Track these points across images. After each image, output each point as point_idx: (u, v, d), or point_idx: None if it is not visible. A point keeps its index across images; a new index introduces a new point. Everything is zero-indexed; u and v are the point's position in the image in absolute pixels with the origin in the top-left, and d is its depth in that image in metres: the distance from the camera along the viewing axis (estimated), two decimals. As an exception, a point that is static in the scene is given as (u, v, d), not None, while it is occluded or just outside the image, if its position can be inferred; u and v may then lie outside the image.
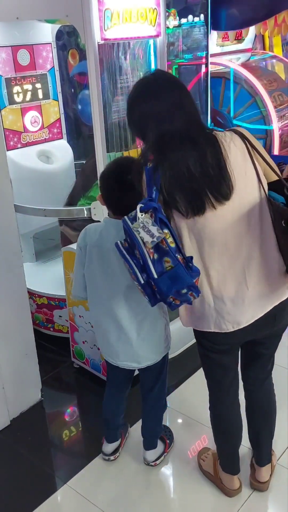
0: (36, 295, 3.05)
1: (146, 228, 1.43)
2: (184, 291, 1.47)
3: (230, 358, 1.80)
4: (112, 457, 2.23)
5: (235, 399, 1.91)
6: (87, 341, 2.68)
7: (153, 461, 2.20)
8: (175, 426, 2.43)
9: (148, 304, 1.74)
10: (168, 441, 2.27)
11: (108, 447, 2.23)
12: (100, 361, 2.65)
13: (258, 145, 1.60)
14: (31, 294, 3.03)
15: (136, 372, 2.12)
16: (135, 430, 2.35)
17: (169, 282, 1.46)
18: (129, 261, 1.48)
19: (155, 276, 1.45)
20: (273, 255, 1.62)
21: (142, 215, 1.44)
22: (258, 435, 2.01)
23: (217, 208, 1.51)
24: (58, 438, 2.48)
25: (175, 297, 1.49)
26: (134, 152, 2.51)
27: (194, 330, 1.77)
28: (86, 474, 2.19)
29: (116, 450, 2.24)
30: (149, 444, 2.20)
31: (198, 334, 1.76)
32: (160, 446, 2.22)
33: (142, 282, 1.48)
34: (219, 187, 1.49)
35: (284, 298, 1.69)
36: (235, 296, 1.61)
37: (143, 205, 1.45)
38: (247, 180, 1.54)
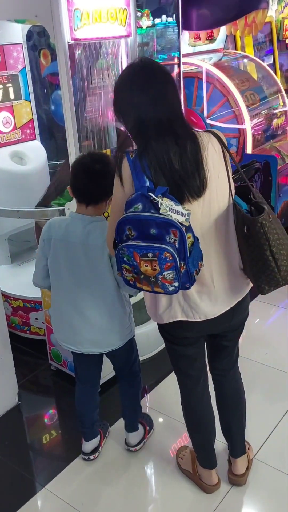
0: (12, 298, 3.02)
1: (173, 210, 1.42)
2: (200, 261, 1.51)
3: (194, 350, 1.84)
4: (91, 457, 2.23)
5: (204, 391, 1.94)
6: (64, 343, 2.66)
7: (134, 445, 2.24)
8: (154, 425, 2.43)
9: (108, 295, 1.92)
10: (148, 427, 2.33)
11: (87, 446, 2.23)
12: (77, 362, 2.63)
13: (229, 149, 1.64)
14: (7, 297, 3.00)
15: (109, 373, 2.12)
16: (114, 430, 2.35)
17: (194, 257, 1.47)
18: (167, 249, 1.41)
19: (188, 255, 1.45)
20: (235, 254, 1.68)
21: (161, 199, 1.42)
22: (229, 425, 2.04)
23: (192, 202, 1.53)
24: (36, 442, 2.46)
25: (197, 271, 1.51)
26: (109, 152, 2.50)
27: (159, 326, 1.81)
28: (65, 477, 2.18)
29: (95, 450, 2.24)
30: (131, 426, 2.24)
31: (162, 329, 1.81)
32: (141, 429, 2.28)
33: (179, 266, 1.43)
34: (194, 182, 1.52)
35: (244, 295, 1.75)
36: (202, 290, 1.65)
37: (152, 192, 1.44)
38: (219, 181, 1.58)
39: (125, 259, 1.47)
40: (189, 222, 1.45)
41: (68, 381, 2.72)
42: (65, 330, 2.02)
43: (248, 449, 2.15)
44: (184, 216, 1.44)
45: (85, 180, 1.84)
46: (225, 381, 1.99)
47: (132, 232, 1.45)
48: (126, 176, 1.53)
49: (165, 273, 1.44)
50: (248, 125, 3.88)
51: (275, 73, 4.89)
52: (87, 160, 1.87)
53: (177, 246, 1.42)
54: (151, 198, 1.43)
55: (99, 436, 2.27)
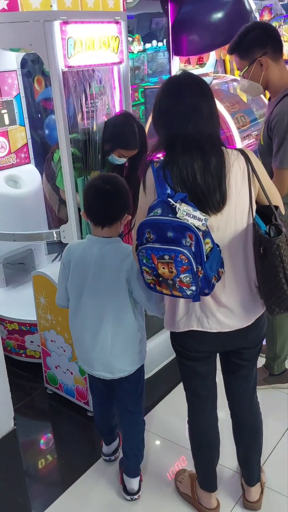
0: (7, 321, 3.01)
1: (191, 215, 1.47)
2: (220, 269, 1.56)
3: (205, 367, 1.84)
4: (112, 457, 2.32)
5: (212, 412, 1.93)
6: (59, 366, 2.65)
7: (137, 492, 2.14)
8: (151, 447, 2.42)
9: (124, 317, 1.92)
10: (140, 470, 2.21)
11: (107, 449, 2.32)
12: (73, 385, 2.62)
13: (260, 169, 1.66)
14: (2, 320, 2.99)
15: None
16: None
17: (212, 262, 1.51)
18: (182, 251, 1.45)
19: (205, 259, 1.48)
20: (252, 273, 1.70)
21: (179, 204, 1.47)
22: (247, 455, 2.02)
23: (210, 216, 1.56)
24: (33, 468, 2.43)
25: (216, 277, 1.55)
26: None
27: (171, 337, 1.82)
28: (62, 504, 2.14)
29: (115, 450, 2.33)
30: (134, 470, 2.14)
31: (173, 340, 1.82)
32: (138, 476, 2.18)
33: (195, 269, 1.47)
34: (214, 197, 1.56)
35: (261, 313, 1.77)
36: (220, 302, 1.67)
37: (172, 198, 1.49)
38: (239, 199, 1.61)
39: (144, 261, 1.52)
40: (207, 227, 1.49)
41: (64, 405, 2.70)
42: (81, 350, 2.04)
43: (261, 473, 2.11)
44: (201, 221, 1.48)
45: (98, 202, 1.86)
46: (243, 410, 1.97)
47: (151, 235, 1.50)
48: (149, 184, 1.60)
49: (181, 276, 1.47)
50: (239, 146, 3.95)
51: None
52: (98, 182, 1.89)
53: (193, 249, 1.46)
54: (170, 203, 1.48)
55: (118, 438, 2.33)
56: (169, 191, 1.53)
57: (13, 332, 3.01)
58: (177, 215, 1.46)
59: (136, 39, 3.70)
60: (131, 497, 2.13)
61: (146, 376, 2.83)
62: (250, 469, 2.03)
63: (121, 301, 1.90)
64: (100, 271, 1.89)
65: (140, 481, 2.17)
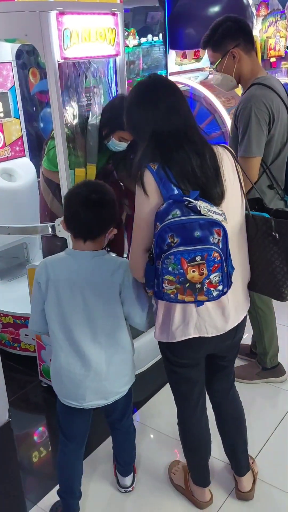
0: (2, 314, 3.01)
1: (211, 210, 1.44)
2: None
3: (196, 372, 1.82)
4: None
5: (203, 414, 1.93)
6: (54, 359, 2.65)
7: (131, 485, 2.15)
8: (145, 440, 2.43)
9: (121, 335, 1.77)
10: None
11: None
12: (68, 378, 2.62)
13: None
14: (-4, 313, 2.99)
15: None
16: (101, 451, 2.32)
17: (230, 259, 1.49)
18: (215, 248, 1.42)
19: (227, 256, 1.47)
20: (246, 269, 1.71)
21: (198, 202, 1.43)
22: (233, 445, 2.03)
23: None
24: (27, 459, 2.43)
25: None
26: (92, 167, 2.52)
27: (161, 345, 1.78)
28: (56, 495, 2.14)
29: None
30: (127, 471, 2.14)
31: (165, 349, 1.77)
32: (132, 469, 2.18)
33: (224, 266, 1.45)
34: (214, 189, 1.54)
35: (247, 310, 1.78)
36: (216, 304, 1.63)
37: (187, 197, 1.44)
38: (234, 191, 1.61)
39: (170, 268, 1.42)
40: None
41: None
42: (65, 383, 1.81)
43: (252, 463, 2.14)
44: (222, 216, 1.46)
45: (81, 213, 1.66)
46: (225, 403, 1.99)
47: (175, 239, 1.41)
48: (151, 187, 1.51)
49: (211, 276, 1.43)
50: (234, 141, 3.94)
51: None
52: (82, 190, 1.70)
53: (220, 246, 1.43)
54: (187, 202, 1.43)
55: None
56: (176, 191, 1.48)
57: (8, 326, 3.00)
58: (202, 212, 1.41)
59: (131, 33, 3.68)
60: (125, 489, 2.15)
61: (139, 371, 2.87)
62: (237, 459, 2.05)
63: (115, 318, 1.75)
64: (89, 290, 1.70)
65: (134, 473, 2.18)
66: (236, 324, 1.72)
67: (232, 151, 1.66)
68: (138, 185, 1.53)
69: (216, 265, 1.43)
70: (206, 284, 1.44)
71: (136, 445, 2.31)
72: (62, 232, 2.57)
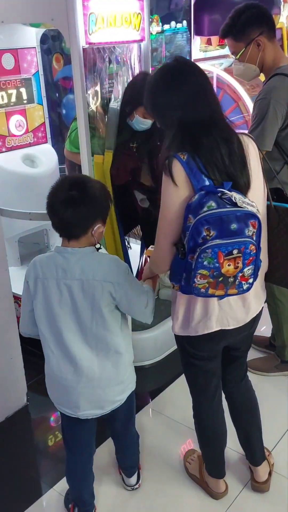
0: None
1: (245, 202, 1.41)
2: None
3: (214, 364, 1.82)
4: None
5: (219, 406, 1.92)
6: (72, 345, 2.66)
7: (136, 483, 2.12)
8: (160, 429, 2.43)
9: (112, 338, 1.65)
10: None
11: None
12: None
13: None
14: (16, 298, 3.00)
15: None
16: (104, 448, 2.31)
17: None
18: (251, 241, 1.40)
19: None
20: (265, 258, 1.69)
21: (233, 193, 1.40)
22: (247, 435, 2.02)
23: None
24: (44, 443, 2.46)
25: None
26: (109, 154, 2.50)
27: (179, 338, 1.76)
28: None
29: None
30: (132, 472, 2.10)
31: (183, 341, 1.76)
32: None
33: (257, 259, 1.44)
34: (241, 179, 1.50)
35: (264, 301, 1.77)
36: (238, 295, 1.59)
37: (219, 189, 1.41)
38: (258, 182, 1.58)
39: (205, 263, 1.38)
40: None
41: (76, 383, 2.73)
42: (59, 389, 1.72)
43: (268, 455, 2.13)
44: (255, 208, 1.43)
45: (60, 211, 1.54)
46: (237, 392, 1.98)
47: (211, 232, 1.37)
48: (181, 178, 1.45)
49: (245, 269, 1.41)
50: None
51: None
52: (60, 187, 1.57)
53: (254, 238, 1.41)
54: (221, 193, 1.39)
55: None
56: (207, 182, 1.44)
57: (27, 310, 3.03)
58: (238, 204, 1.38)
59: (154, 20, 3.64)
60: (132, 488, 2.12)
61: (156, 360, 2.88)
62: (252, 449, 2.04)
63: (105, 320, 1.63)
64: (78, 289, 1.60)
65: (139, 470, 2.14)
66: (255, 314, 1.72)
67: (256, 141, 1.62)
68: (166, 176, 1.47)
69: (251, 258, 1.41)
70: (239, 278, 1.42)
71: (151, 433, 2.33)
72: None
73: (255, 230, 1.41)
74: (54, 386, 1.74)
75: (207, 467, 2.04)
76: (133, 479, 2.12)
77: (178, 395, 2.63)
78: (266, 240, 1.69)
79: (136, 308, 1.69)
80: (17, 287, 3.04)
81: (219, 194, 1.40)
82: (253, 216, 1.39)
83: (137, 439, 2.08)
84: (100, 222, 1.61)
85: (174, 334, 1.76)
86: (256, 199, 1.54)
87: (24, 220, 2.89)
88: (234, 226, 1.37)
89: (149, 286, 1.80)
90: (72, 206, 1.53)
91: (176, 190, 1.46)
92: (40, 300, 1.64)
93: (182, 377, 1.95)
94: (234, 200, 1.39)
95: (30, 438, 2.50)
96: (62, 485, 2.14)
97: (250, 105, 3.89)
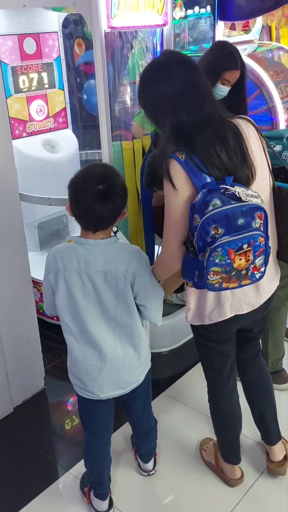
0: (40, 284, 3.05)
1: (249, 195, 1.41)
2: None
3: (229, 346, 1.83)
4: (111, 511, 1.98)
5: (234, 389, 1.93)
6: (90, 331, 2.68)
7: (153, 469, 2.14)
8: (177, 416, 2.44)
9: (135, 325, 1.70)
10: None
11: (105, 504, 1.96)
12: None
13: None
14: (35, 283, 3.03)
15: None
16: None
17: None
18: (259, 234, 1.41)
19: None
20: (274, 238, 1.70)
21: (235, 188, 1.41)
22: (262, 412, 2.04)
23: None
24: (60, 427, 2.49)
25: None
26: (139, 142, 2.49)
27: (198, 326, 1.76)
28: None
29: (111, 503, 1.98)
30: (148, 458, 2.12)
31: (202, 329, 1.76)
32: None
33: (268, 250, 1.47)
34: (242, 173, 1.49)
35: (278, 283, 1.77)
36: None
37: (223, 185, 1.42)
38: (262, 168, 1.58)
39: (216, 260, 1.39)
40: None
41: (93, 369, 2.75)
42: (82, 376, 1.75)
43: (285, 443, 2.12)
44: (259, 198, 1.44)
45: (88, 206, 1.54)
46: (250, 369, 2.00)
47: (219, 230, 1.38)
48: (180, 179, 1.45)
49: (256, 260, 1.43)
50: (282, 118, 3.82)
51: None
52: (88, 182, 1.55)
53: (262, 229, 1.42)
54: (224, 189, 1.40)
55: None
56: (208, 179, 1.44)
57: (46, 296, 3.05)
58: (242, 199, 1.39)
59: (178, 5, 3.58)
60: (148, 473, 2.13)
61: (173, 347, 2.88)
62: (267, 427, 2.05)
63: (128, 307, 1.67)
64: (100, 279, 1.62)
65: (155, 457, 2.16)
66: (269, 297, 1.72)
67: (254, 123, 1.60)
68: (165, 178, 1.47)
69: (261, 250, 1.43)
70: (251, 269, 1.44)
71: (167, 420, 2.34)
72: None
73: (261, 222, 1.42)
74: (78, 372, 1.76)
75: (222, 453, 2.05)
76: (150, 465, 2.13)
77: (195, 382, 2.63)
78: (274, 220, 1.69)
79: (150, 302, 1.70)
80: (37, 272, 3.07)
81: (221, 191, 1.40)
82: (258, 208, 1.40)
83: (155, 424, 2.09)
84: (123, 209, 1.64)
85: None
86: (261, 183, 1.55)
87: (44, 205, 2.91)
88: (241, 221, 1.38)
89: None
90: (107, 201, 1.54)
91: (176, 193, 1.47)
92: (62, 292, 1.66)
93: (199, 365, 1.95)
94: (238, 195, 1.39)
95: (47, 422, 2.54)
96: (78, 469, 2.17)
97: (274, 91, 3.82)
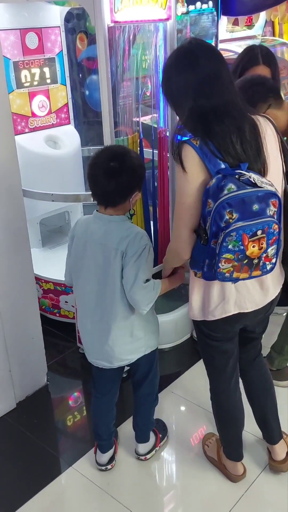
0: (43, 281, 3.06)
1: (264, 182, 1.41)
2: None
3: (231, 345, 1.82)
4: (109, 466, 2.13)
5: (236, 387, 1.92)
6: (93, 327, 2.68)
7: (143, 455, 2.16)
8: (179, 411, 2.44)
9: (118, 301, 1.74)
10: (160, 435, 2.23)
11: (104, 458, 2.12)
12: (105, 346, 2.65)
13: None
14: (38, 279, 3.04)
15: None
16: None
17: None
18: (274, 221, 1.42)
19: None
20: (282, 240, 1.66)
21: (250, 173, 1.41)
22: (263, 412, 2.03)
23: None
24: (63, 422, 2.50)
25: None
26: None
27: (200, 324, 1.76)
28: (91, 458, 2.20)
29: (112, 459, 2.14)
30: (140, 437, 2.16)
31: (200, 323, 1.76)
32: (152, 439, 2.19)
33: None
34: (255, 165, 1.49)
35: (282, 283, 1.76)
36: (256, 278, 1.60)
37: (237, 171, 1.42)
38: (275, 166, 1.57)
39: (230, 246, 1.38)
40: None
41: (95, 365, 2.75)
42: (83, 337, 1.92)
43: (285, 438, 2.12)
44: (273, 186, 1.43)
45: (100, 181, 1.67)
46: (251, 369, 1.99)
47: (233, 214, 1.37)
48: (193, 163, 1.45)
49: (269, 249, 1.43)
50: (284, 113, 3.80)
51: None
52: (101, 158, 1.69)
53: (275, 217, 1.42)
54: (239, 174, 1.39)
55: (114, 446, 2.17)
56: (223, 165, 1.43)
57: (48, 292, 3.05)
58: (258, 184, 1.38)
59: (180, 0, 3.56)
60: (138, 456, 2.18)
61: (176, 343, 2.88)
62: (269, 427, 2.04)
63: (117, 285, 1.74)
64: (99, 250, 1.74)
65: (155, 446, 2.19)
66: (274, 297, 1.71)
67: (273, 121, 1.60)
68: (176, 162, 1.48)
69: (274, 238, 1.42)
70: (263, 259, 1.43)
71: (169, 416, 2.34)
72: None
73: (276, 209, 1.41)
74: (82, 334, 1.94)
75: (225, 450, 2.05)
76: (142, 448, 2.16)
77: (198, 378, 2.62)
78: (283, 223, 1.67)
79: (130, 285, 1.70)
80: (39, 269, 3.08)
81: (236, 176, 1.39)
82: (273, 195, 1.40)
83: (152, 402, 2.11)
84: (137, 190, 1.73)
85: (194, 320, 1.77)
86: (275, 182, 1.52)
87: (47, 201, 2.90)
88: (256, 207, 1.38)
89: (160, 281, 1.81)
90: (114, 177, 1.65)
91: (186, 176, 1.47)
92: (73, 255, 1.86)
93: (201, 361, 1.95)
94: (253, 181, 1.38)
95: (50, 417, 2.54)
96: (81, 464, 2.18)
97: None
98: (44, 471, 2.16)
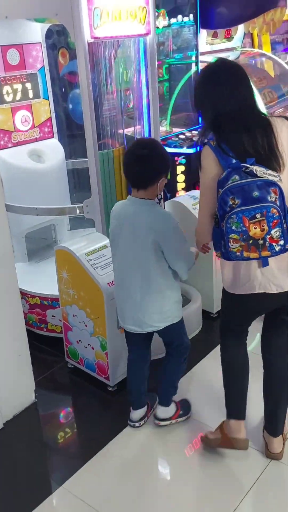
0: (29, 295, 3.03)
1: (267, 173, 1.62)
2: None
3: (248, 318, 2.02)
4: (137, 424, 2.36)
5: (241, 345, 2.10)
6: (81, 341, 2.67)
7: (159, 419, 2.34)
8: (198, 396, 2.49)
9: (150, 276, 2.05)
10: (181, 411, 2.38)
11: (134, 414, 2.37)
12: (94, 360, 2.64)
13: None
14: (24, 294, 3.01)
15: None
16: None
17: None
18: (272, 205, 1.62)
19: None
20: None
21: (254, 166, 1.62)
22: (275, 405, 2.09)
23: None
24: (53, 440, 2.45)
25: None
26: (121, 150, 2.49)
27: (229, 294, 1.94)
28: (82, 476, 2.17)
29: (142, 418, 2.37)
30: (160, 399, 2.35)
31: (232, 296, 1.93)
32: (171, 409, 2.35)
33: (283, 222, 1.64)
34: (270, 162, 1.69)
35: None
36: (281, 263, 1.79)
37: (245, 164, 1.65)
38: None
39: (233, 227, 1.63)
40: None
41: (84, 379, 2.73)
42: (119, 305, 2.21)
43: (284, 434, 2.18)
44: (277, 178, 1.64)
45: (133, 166, 1.98)
46: (277, 361, 2.06)
47: (236, 200, 1.62)
48: (209, 160, 1.74)
49: (272, 231, 1.63)
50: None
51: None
52: (135, 147, 2.01)
53: (278, 203, 1.61)
54: (244, 168, 1.62)
55: (146, 406, 2.39)
56: (234, 161, 1.67)
57: (35, 307, 3.03)
58: (258, 175, 1.60)
59: (161, 14, 3.60)
60: (155, 419, 2.36)
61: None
62: (277, 421, 2.11)
63: (148, 259, 2.03)
64: (132, 229, 2.03)
65: (172, 419, 2.35)
66: None
67: None
68: (198, 164, 1.79)
69: (275, 221, 1.61)
70: (268, 240, 1.63)
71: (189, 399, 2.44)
72: (90, 213, 2.57)
73: (277, 196, 1.61)
74: (116, 298, 2.22)
75: (228, 408, 2.11)
76: (160, 411, 2.35)
77: (207, 373, 2.67)
78: None
79: (175, 261, 2.04)
80: (25, 283, 3.06)
81: (242, 169, 1.63)
82: (272, 183, 1.60)
83: (177, 366, 2.31)
84: (164, 176, 2.00)
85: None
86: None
87: (31, 215, 2.89)
88: (256, 193, 1.60)
89: (194, 249, 2.14)
90: (144, 162, 1.95)
91: (205, 171, 1.77)
92: (111, 233, 2.15)
93: (211, 356, 2.15)
94: (255, 172, 1.61)
95: (39, 436, 2.50)
96: (72, 483, 2.14)
97: (257, 97, 3.84)
98: (33, 492, 2.12)
